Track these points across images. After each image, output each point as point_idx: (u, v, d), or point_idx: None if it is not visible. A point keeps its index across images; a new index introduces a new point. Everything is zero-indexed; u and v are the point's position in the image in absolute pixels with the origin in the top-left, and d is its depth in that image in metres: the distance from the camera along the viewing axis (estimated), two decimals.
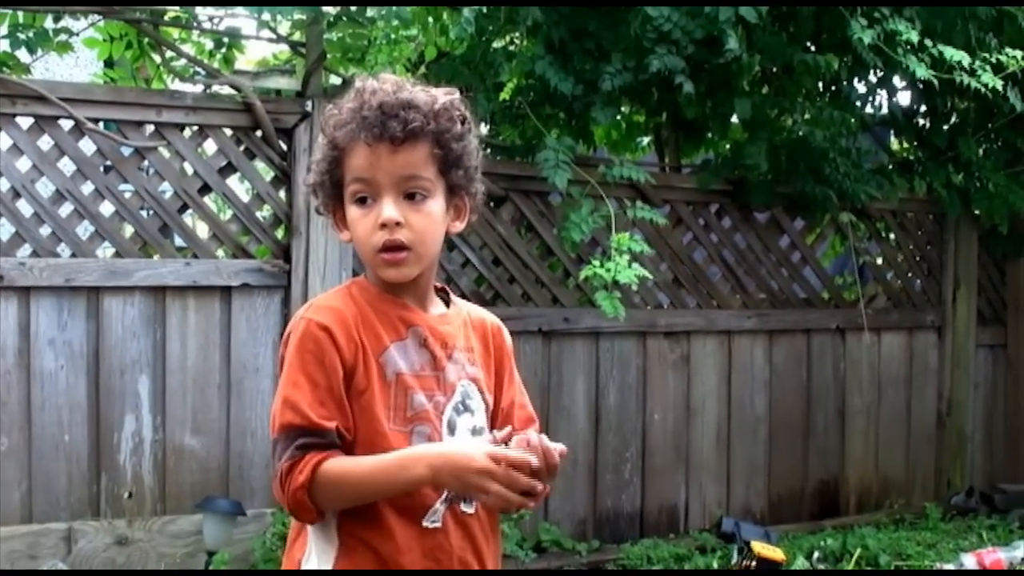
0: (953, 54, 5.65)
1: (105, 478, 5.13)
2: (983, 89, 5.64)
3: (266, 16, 5.55)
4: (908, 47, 5.62)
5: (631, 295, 6.15)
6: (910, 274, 7.41)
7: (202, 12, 5.68)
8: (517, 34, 6.06)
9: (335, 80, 6.17)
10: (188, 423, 5.27)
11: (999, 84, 5.71)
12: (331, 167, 2.20)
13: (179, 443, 5.25)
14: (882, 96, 7.14)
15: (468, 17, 5.00)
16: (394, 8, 5.40)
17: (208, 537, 5.11)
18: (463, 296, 5.55)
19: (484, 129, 6.71)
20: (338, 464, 2.08)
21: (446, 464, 2.06)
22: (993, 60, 5.76)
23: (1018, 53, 5.79)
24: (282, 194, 5.53)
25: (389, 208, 2.14)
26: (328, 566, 2.15)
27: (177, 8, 5.60)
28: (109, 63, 6.32)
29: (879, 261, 7.33)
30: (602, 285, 5.37)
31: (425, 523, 2.16)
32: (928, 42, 5.69)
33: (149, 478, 5.21)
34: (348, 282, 2.27)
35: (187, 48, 6.01)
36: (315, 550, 2.18)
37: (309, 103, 5.45)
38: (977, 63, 5.69)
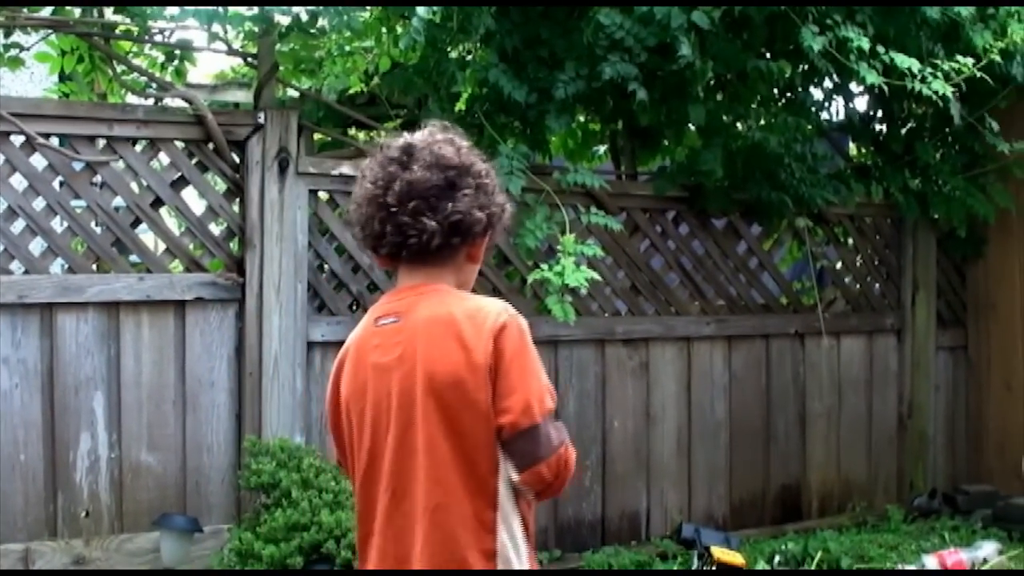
0: (904, 61, 5.65)
1: (62, 497, 5.08)
2: (934, 96, 5.65)
3: (216, 28, 5.52)
4: (859, 53, 5.63)
5: (588, 303, 6.15)
6: (869, 278, 7.44)
7: (153, 25, 5.64)
8: (471, 44, 6.04)
9: (292, 93, 6.15)
10: (144, 439, 5.23)
11: (949, 92, 5.72)
12: None
13: (135, 460, 5.21)
14: (838, 102, 7.17)
15: (417, 26, 4.98)
16: (346, 18, 5.38)
17: (165, 555, 5.07)
18: None
19: None
20: None
21: None
22: (945, 68, 5.77)
23: (970, 60, 5.80)
24: (235, 207, 5.50)
25: None
26: (525, 550, 2.50)
27: (128, 21, 5.57)
28: (64, 77, 6.27)
29: (837, 266, 7.36)
30: (554, 290, 5.35)
31: None
32: (880, 48, 5.71)
33: (106, 496, 5.16)
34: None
35: (139, 61, 5.98)
36: (519, 539, 2.49)
37: (262, 115, 5.42)
38: (928, 70, 5.70)
